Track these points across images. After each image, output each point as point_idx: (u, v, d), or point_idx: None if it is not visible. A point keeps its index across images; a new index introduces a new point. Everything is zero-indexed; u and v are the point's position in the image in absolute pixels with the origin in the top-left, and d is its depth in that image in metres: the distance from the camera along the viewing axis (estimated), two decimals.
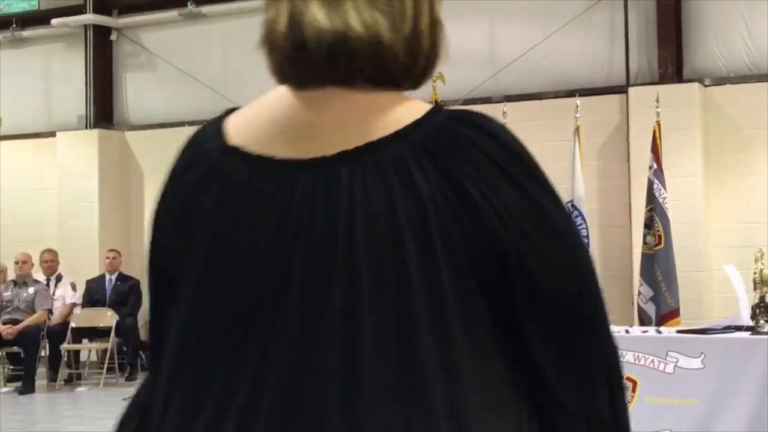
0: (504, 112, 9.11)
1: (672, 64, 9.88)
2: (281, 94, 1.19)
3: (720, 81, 9.87)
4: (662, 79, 9.85)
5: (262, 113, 1.21)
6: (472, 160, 1.09)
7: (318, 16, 1.12)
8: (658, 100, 8.66)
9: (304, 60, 1.14)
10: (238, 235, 1.13)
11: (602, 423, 1.16)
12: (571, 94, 9.61)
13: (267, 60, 1.23)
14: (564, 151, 9.17)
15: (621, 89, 10.09)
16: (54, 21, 12.70)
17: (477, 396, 1.08)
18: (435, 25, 1.18)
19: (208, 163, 1.19)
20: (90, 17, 12.53)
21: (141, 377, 11.09)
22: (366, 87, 1.13)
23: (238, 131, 1.19)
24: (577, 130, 8.96)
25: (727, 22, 9.88)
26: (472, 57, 10.54)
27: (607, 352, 1.17)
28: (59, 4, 12.90)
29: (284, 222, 1.10)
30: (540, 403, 1.14)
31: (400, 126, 1.11)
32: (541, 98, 10.18)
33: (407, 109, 1.14)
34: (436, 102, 9.62)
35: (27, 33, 13.07)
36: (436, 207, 1.07)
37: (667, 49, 9.90)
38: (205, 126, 1.26)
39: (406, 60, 1.14)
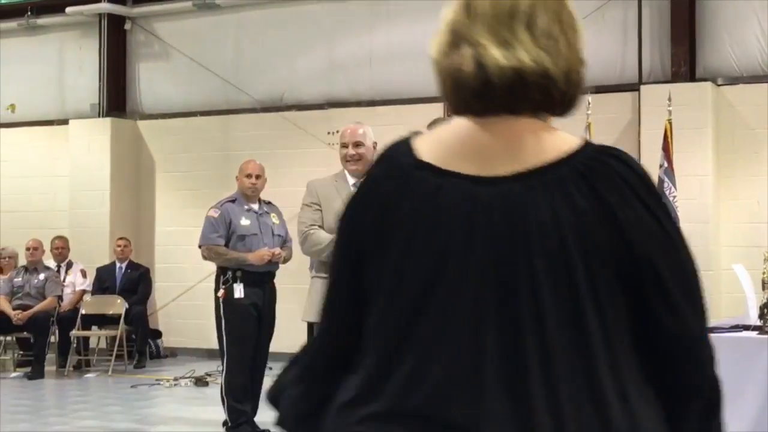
0: None
1: (685, 62, 9.85)
2: (461, 122, 1.49)
3: (733, 81, 9.84)
4: (675, 78, 9.82)
5: (446, 136, 1.50)
6: (617, 186, 1.42)
7: (498, 57, 1.43)
8: (670, 99, 8.64)
9: (488, 93, 1.44)
10: (431, 233, 1.43)
11: (716, 391, 1.48)
12: (582, 91, 9.59)
13: (451, 97, 1.50)
14: None
15: (633, 87, 10.06)
16: (68, 9, 12.71)
17: (631, 385, 1.40)
18: (581, 61, 1.55)
19: (404, 173, 1.47)
20: (104, 6, 12.53)
21: (149, 365, 11.17)
22: (528, 114, 1.47)
23: (426, 150, 1.48)
24: (588, 126, 8.94)
25: (741, 22, 9.84)
26: None
27: (706, 331, 1.51)
28: None
29: (471, 224, 1.41)
30: (664, 387, 1.44)
31: (560, 154, 1.45)
32: None
33: (563, 139, 1.48)
34: None
35: (41, 21, 13.09)
36: (590, 221, 1.40)
37: (680, 48, 9.87)
38: (397, 144, 1.54)
39: (564, 89, 1.48)
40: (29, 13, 13.11)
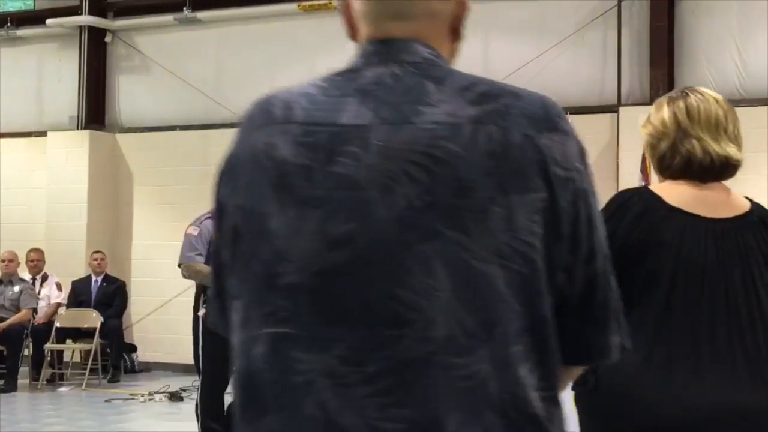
0: None
1: (663, 85, 9.92)
2: (686, 185, 2.46)
3: None
4: (653, 100, 9.78)
5: (682, 191, 2.46)
6: None
7: (717, 149, 2.42)
8: None
9: (710, 170, 2.44)
10: (692, 253, 2.36)
11: None
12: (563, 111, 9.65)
13: (681, 170, 2.47)
14: None
15: (612, 108, 10.14)
16: (49, 21, 12.69)
17: None
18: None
19: (661, 214, 2.38)
20: (85, 18, 12.52)
21: (123, 379, 11.10)
22: (720, 182, 2.49)
23: (671, 198, 2.41)
24: None
25: (719, 46, 9.95)
26: (466, 70, 10.54)
27: None
28: (54, 5, 12.90)
29: (715, 246, 2.38)
30: None
31: (747, 207, 2.47)
32: None
33: (743, 199, 2.50)
34: None
35: (21, 32, 13.06)
36: (766, 250, 2.43)
37: (659, 71, 9.96)
38: (635, 193, 2.55)
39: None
40: (9, 24, 13.08)
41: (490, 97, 1.41)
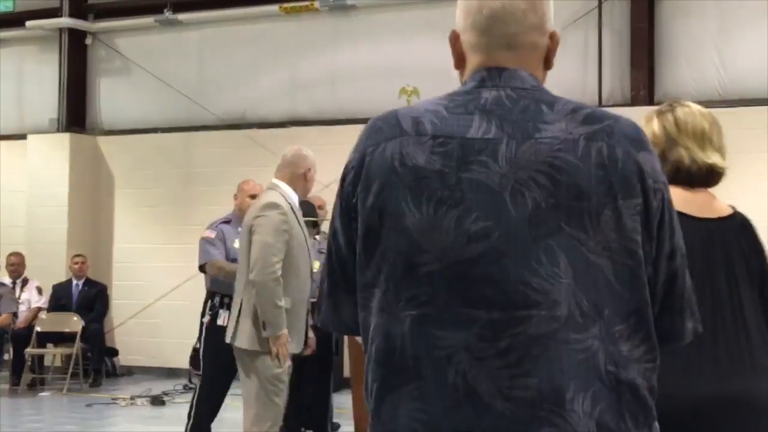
0: None
1: (644, 86, 9.98)
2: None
3: None
4: (634, 102, 9.94)
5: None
6: (751, 235, 2.73)
7: (703, 157, 2.68)
8: None
9: (697, 177, 2.68)
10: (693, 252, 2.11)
11: None
12: None
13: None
14: None
15: None
16: (29, 23, 12.64)
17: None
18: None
19: None
20: (65, 21, 12.47)
21: (105, 383, 11.05)
22: (706, 189, 2.73)
23: (677, 203, 1.87)
24: None
25: (699, 48, 10.00)
26: (446, 72, 10.50)
27: None
28: (35, 7, 12.84)
29: (705, 244, 2.57)
30: None
31: (729, 211, 2.72)
32: None
33: (726, 205, 2.74)
34: None
35: (1, 34, 12.99)
36: (746, 250, 2.68)
37: (640, 72, 10.00)
38: None
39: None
40: None
41: (595, 118, 1.69)
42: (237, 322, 5.12)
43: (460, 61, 1.83)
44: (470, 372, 1.58)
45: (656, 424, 1.69)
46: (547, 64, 1.83)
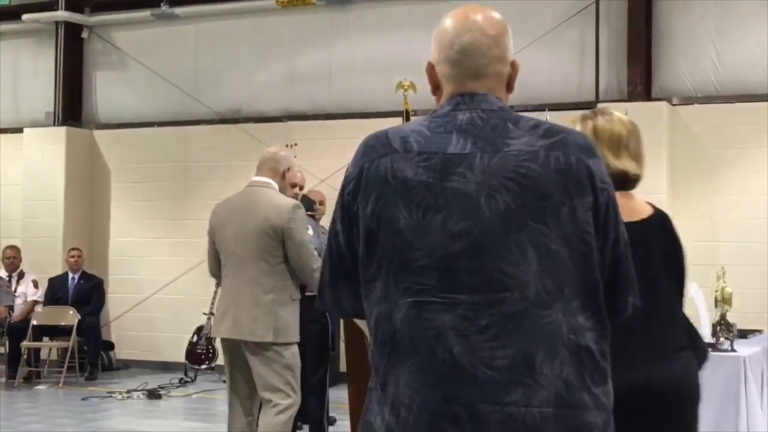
0: None
1: (641, 82, 9.98)
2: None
3: (687, 101, 9.99)
4: (631, 97, 9.94)
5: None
6: (671, 233, 3.03)
7: (616, 164, 2.91)
8: None
9: (622, 183, 2.88)
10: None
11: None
12: (540, 108, 9.63)
13: None
14: None
15: (590, 105, 10.11)
16: (25, 16, 12.61)
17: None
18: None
19: None
20: (62, 14, 12.45)
21: (101, 377, 11.05)
22: (624, 191, 2.90)
23: None
24: None
25: (696, 44, 10.00)
26: None
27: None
28: (30, 0, 12.80)
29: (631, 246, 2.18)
30: None
31: (649, 212, 3.01)
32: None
33: (646, 205, 3.02)
34: (406, 111, 9.63)
35: None
36: (666, 245, 2.99)
37: (637, 68, 10.00)
38: None
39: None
40: None
41: (552, 132, 2.02)
42: (275, 318, 5.14)
43: (435, 89, 2.16)
44: (455, 347, 1.90)
45: (610, 383, 2.01)
46: (509, 88, 2.15)
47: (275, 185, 5.31)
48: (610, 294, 2.04)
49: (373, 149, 2.05)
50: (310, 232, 5.36)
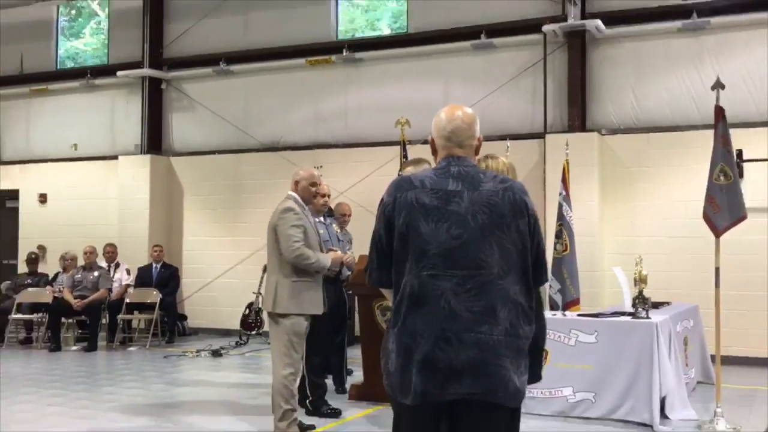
0: None
1: (578, 117, 9.98)
2: None
3: (613, 131, 9.98)
4: (570, 129, 9.93)
5: None
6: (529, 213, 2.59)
7: None
8: (567, 145, 8.74)
9: None
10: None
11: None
12: (503, 137, 9.64)
13: None
14: None
15: (540, 135, 10.18)
16: (119, 73, 12.65)
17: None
18: None
19: None
20: (146, 71, 12.48)
21: (177, 341, 11.07)
22: None
23: None
24: None
25: (619, 89, 10.00)
26: (431, 108, 10.47)
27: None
28: (123, 60, 12.85)
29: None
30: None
31: None
32: None
33: None
34: (403, 141, 9.64)
35: (98, 81, 13.01)
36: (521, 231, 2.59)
37: (575, 107, 10.00)
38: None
39: None
40: (88, 75, 13.03)
41: (505, 181, 2.51)
42: (275, 293, 5.10)
43: (434, 152, 2.62)
44: (451, 301, 2.37)
45: (533, 324, 2.48)
46: (477, 152, 2.62)
47: (293, 194, 5.33)
48: (534, 272, 2.50)
49: (402, 186, 2.50)
50: (306, 229, 5.23)
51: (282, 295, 5.08)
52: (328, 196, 6.57)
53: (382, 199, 2.54)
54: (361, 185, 10.65)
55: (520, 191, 2.49)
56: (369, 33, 11.54)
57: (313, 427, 5.64)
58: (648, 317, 6.01)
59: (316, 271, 5.19)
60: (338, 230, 7.14)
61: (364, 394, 6.65)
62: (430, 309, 2.37)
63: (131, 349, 10.51)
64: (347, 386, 7.04)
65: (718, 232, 5.86)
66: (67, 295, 10.50)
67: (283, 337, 5.04)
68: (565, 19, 9.91)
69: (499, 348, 2.36)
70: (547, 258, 2.54)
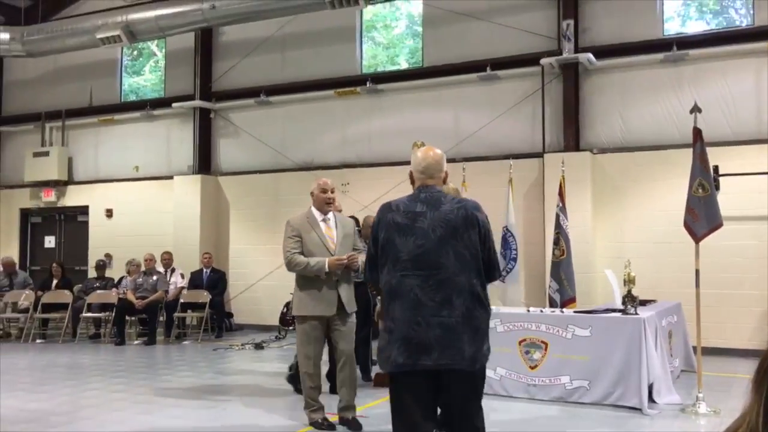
0: (464, 169, 9.15)
1: (573, 138, 9.93)
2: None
3: (603, 150, 9.92)
4: (566, 149, 9.89)
5: None
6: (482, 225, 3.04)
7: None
8: (563, 163, 8.70)
9: None
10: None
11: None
12: (506, 157, 9.66)
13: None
14: (502, 195, 9.19)
15: (539, 155, 10.14)
16: (174, 104, 12.78)
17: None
18: None
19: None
20: (197, 102, 12.60)
21: (225, 335, 11.11)
22: None
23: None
24: (510, 180, 9.00)
25: (609, 113, 9.95)
26: (443, 132, 10.60)
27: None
28: (177, 93, 12.99)
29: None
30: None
31: None
32: (487, 159, 10.23)
33: None
34: None
35: (156, 112, 13.15)
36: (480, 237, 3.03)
37: (570, 129, 9.96)
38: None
39: None
40: (148, 107, 13.18)
41: (461, 201, 2.85)
42: (293, 299, 5.23)
43: (412, 182, 2.95)
44: (419, 293, 2.72)
45: (489, 310, 2.81)
46: (444, 182, 2.93)
47: (312, 207, 5.36)
48: (487, 270, 2.82)
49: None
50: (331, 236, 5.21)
51: (294, 300, 5.18)
52: (332, 200, 6.38)
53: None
54: (384, 199, 10.57)
55: (472, 208, 2.81)
56: (389, 67, 11.58)
57: (333, 427, 5.13)
58: (636, 313, 5.96)
59: (316, 275, 5.00)
60: (362, 242, 7.05)
61: (386, 381, 6.62)
62: (403, 300, 2.74)
63: (185, 343, 10.56)
64: (372, 375, 7.02)
65: (697, 239, 5.81)
66: (130, 296, 10.60)
67: (298, 336, 5.13)
68: (560, 54, 9.90)
69: (457, 327, 2.70)
70: (499, 259, 2.55)
